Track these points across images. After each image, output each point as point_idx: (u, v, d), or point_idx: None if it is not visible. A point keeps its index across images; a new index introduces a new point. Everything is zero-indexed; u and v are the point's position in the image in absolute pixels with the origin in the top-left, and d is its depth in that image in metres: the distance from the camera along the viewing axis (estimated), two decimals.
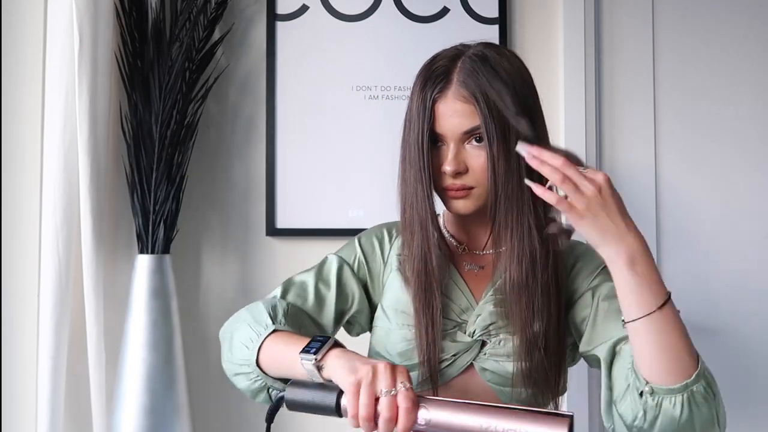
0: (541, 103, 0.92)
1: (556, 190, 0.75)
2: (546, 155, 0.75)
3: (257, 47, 1.51)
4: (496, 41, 1.50)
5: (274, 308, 0.89)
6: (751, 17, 1.60)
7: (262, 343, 0.84)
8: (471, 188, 0.88)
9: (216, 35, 1.46)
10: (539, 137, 0.88)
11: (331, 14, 1.51)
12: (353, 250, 1.01)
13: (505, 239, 0.89)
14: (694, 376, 0.72)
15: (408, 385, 0.69)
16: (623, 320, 0.77)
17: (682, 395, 0.72)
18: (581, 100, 1.53)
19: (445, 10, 1.52)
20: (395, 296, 0.95)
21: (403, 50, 1.50)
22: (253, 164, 1.51)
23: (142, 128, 1.33)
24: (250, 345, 0.85)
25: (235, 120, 1.51)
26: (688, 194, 1.58)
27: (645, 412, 0.73)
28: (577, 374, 1.49)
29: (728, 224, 1.58)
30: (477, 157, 0.87)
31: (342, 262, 0.99)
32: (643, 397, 0.74)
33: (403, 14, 1.52)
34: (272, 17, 1.50)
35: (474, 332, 0.90)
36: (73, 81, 1.29)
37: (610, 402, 0.78)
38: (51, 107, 1.32)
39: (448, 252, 0.95)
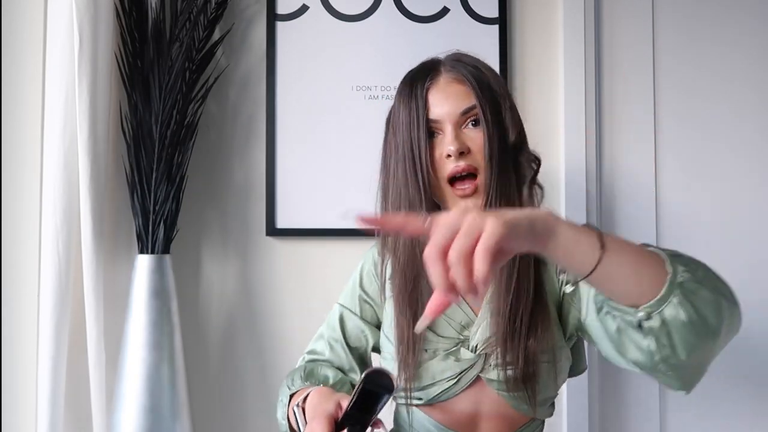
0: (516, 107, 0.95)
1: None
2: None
3: (257, 47, 1.51)
4: (496, 41, 1.50)
5: (292, 377, 0.97)
6: (751, 18, 1.60)
7: (287, 416, 0.90)
8: (476, 175, 0.87)
9: (216, 35, 1.46)
10: (520, 136, 0.91)
11: (331, 14, 1.51)
12: (355, 293, 1.03)
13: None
14: (670, 269, 0.66)
15: None
16: (574, 281, 0.75)
17: (676, 294, 0.65)
18: (581, 100, 1.53)
19: (445, 10, 1.52)
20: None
21: (403, 50, 1.50)
22: (253, 164, 1.51)
23: (142, 128, 1.33)
24: (283, 421, 0.93)
25: (235, 120, 1.51)
26: (688, 195, 1.58)
27: (657, 339, 0.67)
28: (577, 379, 1.49)
29: (728, 225, 1.58)
30: (476, 139, 0.88)
31: (342, 310, 1.03)
32: (643, 326, 0.67)
33: (403, 14, 1.52)
34: (272, 17, 1.50)
35: (476, 346, 0.90)
36: (73, 81, 1.29)
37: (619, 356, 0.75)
38: (51, 107, 1.32)
39: None
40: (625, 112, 1.58)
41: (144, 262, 1.32)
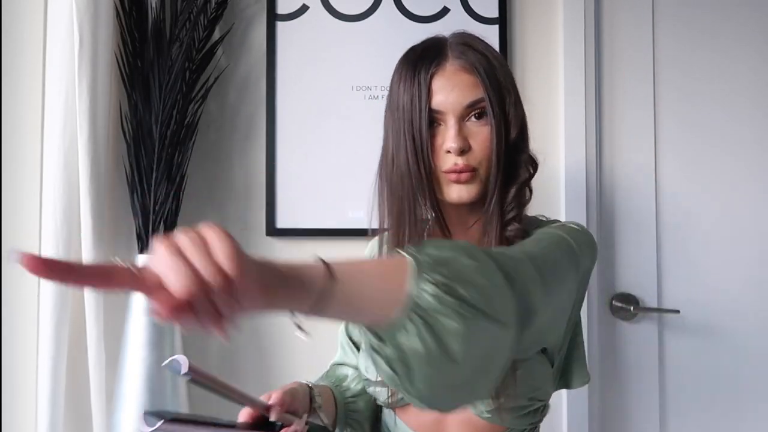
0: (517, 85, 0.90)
1: None
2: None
3: (257, 47, 1.51)
4: (496, 41, 1.50)
5: (316, 380, 1.00)
6: (751, 21, 1.60)
7: None
8: (474, 170, 0.84)
9: (216, 35, 1.46)
10: (521, 134, 0.87)
11: (331, 14, 1.51)
12: None
13: (494, 233, 0.86)
14: (412, 287, 0.52)
15: None
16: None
17: (414, 320, 0.52)
18: (581, 101, 1.53)
19: (445, 10, 1.52)
20: None
21: (403, 50, 1.49)
22: (253, 164, 1.51)
23: (142, 128, 1.33)
24: None
25: (235, 120, 1.51)
26: (687, 196, 1.58)
27: (392, 368, 0.53)
28: None
29: (727, 227, 1.58)
30: (479, 133, 0.83)
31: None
32: (376, 351, 0.54)
33: (403, 14, 1.52)
34: (272, 17, 1.50)
35: None
36: (73, 81, 1.29)
37: None
38: (51, 107, 1.32)
39: None
40: (625, 111, 1.58)
41: (144, 262, 1.31)
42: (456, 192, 0.85)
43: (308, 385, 0.88)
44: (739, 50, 1.60)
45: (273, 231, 1.47)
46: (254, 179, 1.50)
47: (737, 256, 1.57)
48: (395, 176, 0.87)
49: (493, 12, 1.51)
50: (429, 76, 0.83)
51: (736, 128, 1.59)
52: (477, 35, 0.89)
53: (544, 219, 0.95)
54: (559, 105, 1.54)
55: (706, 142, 1.59)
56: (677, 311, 1.52)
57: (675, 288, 1.56)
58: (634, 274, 1.55)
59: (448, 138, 0.83)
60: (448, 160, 0.84)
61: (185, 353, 1.34)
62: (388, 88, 0.90)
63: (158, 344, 1.29)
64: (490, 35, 1.50)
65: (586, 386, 1.49)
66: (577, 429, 1.48)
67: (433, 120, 0.84)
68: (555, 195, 1.53)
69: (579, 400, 1.49)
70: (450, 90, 0.83)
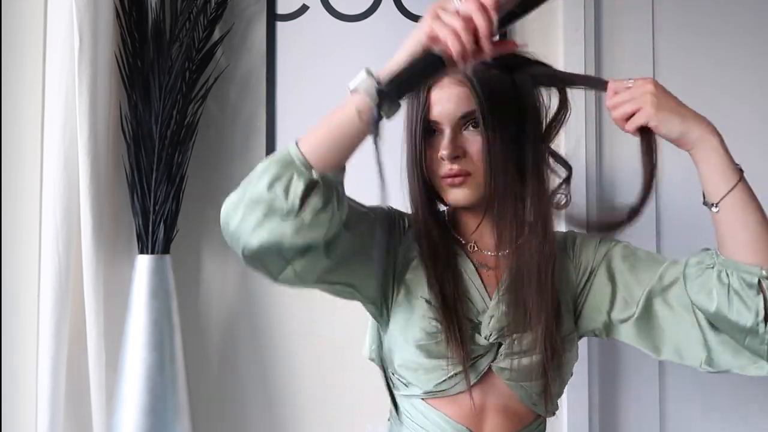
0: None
1: None
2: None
3: (257, 47, 1.51)
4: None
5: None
6: (752, 21, 1.60)
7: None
8: (468, 174, 0.88)
9: (216, 35, 1.46)
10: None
11: (331, 14, 1.51)
12: (391, 215, 0.97)
13: (509, 237, 0.89)
14: None
15: None
16: (710, 204, 0.90)
17: None
18: (581, 100, 1.53)
19: None
20: (421, 285, 0.91)
21: None
22: (253, 164, 1.47)
23: (142, 128, 1.33)
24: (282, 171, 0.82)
25: (235, 120, 1.51)
26: (687, 196, 1.58)
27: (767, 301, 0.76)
28: (577, 379, 1.49)
29: None
30: (474, 142, 0.88)
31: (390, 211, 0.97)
32: (763, 284, 0.78)
33: (403, 14, 1.52)
34: (272, 17, 1.50)
35: (490, 335, 0.89)
36: (73, 81, 1.29)
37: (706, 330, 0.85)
38: (51, 107, 1.33)
39: (456, 243, 0.96)
40: None
41: (144, 262, 1.32)
42: (452, 195, 0.90)
43: None
44: (739, 51, 1.60)
45: None
46: None
47: None
48: (408, 179, 0.93)
49: None
50: (427, 88, 0.90)
51: (736, 128, 1.58)
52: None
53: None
54: None
55: None
56: None
57: None
58: None
59: (442, 146, 0.88)
60: (444, 166, 0.89)
61: (185, 353, 1.34)
62: None
63: (158, 344, 1.29)
64: None
65: (586, 384, 1.49)
66: (577, 427, 1.48)
67: (433, 130, 0.90)
68: None
69: (579, 399, 1.49)
70: (446, 101, 0.89)
